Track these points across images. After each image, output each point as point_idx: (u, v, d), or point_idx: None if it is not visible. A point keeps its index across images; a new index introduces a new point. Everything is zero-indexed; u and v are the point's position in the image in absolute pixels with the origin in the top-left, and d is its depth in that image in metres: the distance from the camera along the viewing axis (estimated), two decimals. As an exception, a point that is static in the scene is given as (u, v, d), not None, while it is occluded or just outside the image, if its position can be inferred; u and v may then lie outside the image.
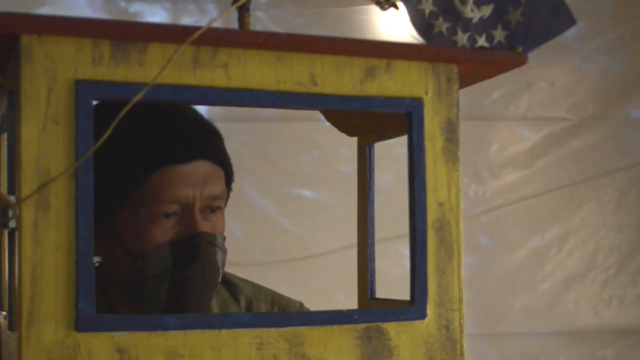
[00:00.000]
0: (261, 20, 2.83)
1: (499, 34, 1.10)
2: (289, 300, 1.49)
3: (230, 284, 1.47)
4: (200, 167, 1.23)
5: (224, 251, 1.27)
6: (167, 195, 1.19)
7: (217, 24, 0.92)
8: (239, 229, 2.80)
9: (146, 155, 1.20)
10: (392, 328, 1.01)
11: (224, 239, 1.27)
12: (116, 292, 1.32)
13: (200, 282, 1.22)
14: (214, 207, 1.26)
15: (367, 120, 1.24)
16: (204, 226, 1.22)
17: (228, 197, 1.34)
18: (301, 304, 1.50)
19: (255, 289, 1.47)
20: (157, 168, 1.20)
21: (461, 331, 1.05)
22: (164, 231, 1.20)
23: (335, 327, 0.99)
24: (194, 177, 1.21)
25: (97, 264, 1.35)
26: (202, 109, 1.52)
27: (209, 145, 1.27)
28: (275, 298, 1.47)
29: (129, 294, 1.26)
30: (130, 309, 1.30)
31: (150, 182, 1.20)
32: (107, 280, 1.32)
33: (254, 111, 2.87)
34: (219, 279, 1.26)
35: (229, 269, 1.48)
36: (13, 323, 0.96)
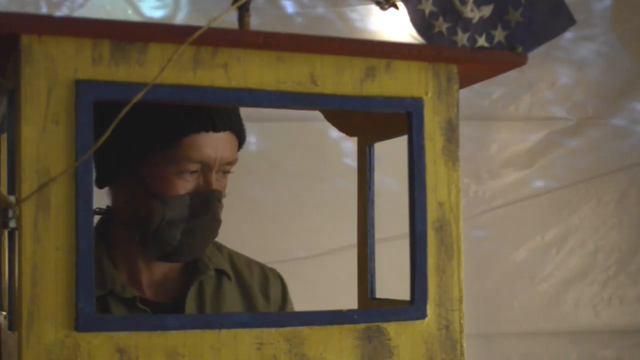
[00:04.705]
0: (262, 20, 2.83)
1: (499, 34, 1.10)
2: (262, 264, 1.64)
3: None
4: (226, 137, 1.40)
5: (222, 206, 1.45)
6: (196, 156, 1.37)
7: (217, 24, 0.92)
8: (240, 228, 2.80)
9: (187, 119, 1.36)
10: (392, 328, 1.01)
11: (224, 196, 1.45)
12: (120, 238, 1.46)
13: (207, 231, 1.42)
14: (226, 170, 1.44)
15: (367, 120, 1.24)
16: (216, 185, 1.41)
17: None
18: (276, 273, 1.63)
19: (231, 249, 1.62)
20: (195, 132, 1.37)
21: (461, 331, 1.05)
22: (185, 184, 1.38)
23: (335, 327, 0.99)
24: (219, 144, 1.39)
25: (97, 210, 1.48)
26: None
27: (235, 118, 1.43)
28: (248, 259, 1.62)
29: (141, 237, 1.41)
30: (130, 257, 1.46)
31: (185, 143, 1.37)
32: (111, 227, 1.48)
33: (254, 111, 2.87)
34: (219, 228, 1.45)
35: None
36: (13, 323, 0.97)
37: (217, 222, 1.42)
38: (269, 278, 1.58)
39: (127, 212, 1.44)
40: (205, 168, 1.39)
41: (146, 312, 1.40)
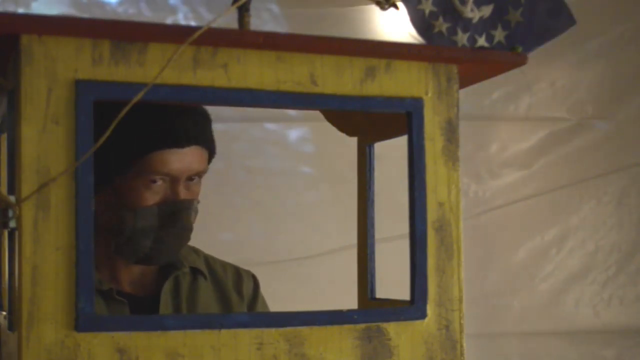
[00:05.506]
0: (264, 20, 2.83)
1: (499, 34, 1.10)
2: (237, 266, 1.71)
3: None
4: (192, 151, 1.47)
5: (196, 212, 1.53)
6: (162, 169, 1.45)
7: (217, 24, 0.92)
8: (240, 228, 2.80)
9: (152, 137, 1.43)
10: (392, 328, 1.02)
11: (198, 202, 1.53)
12: (100, 240, 1.47)
13: (177, 238, 1.50)
14: (193, 177, 1.50)
15: (367, 120, 1.24)
16: (185, 194, 1.49)
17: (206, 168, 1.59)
18: (250, 273, 1.70)
19: (207, 254, 1.70)
20: (159, 149, 1.44)
21: (461, 331, 1.05)
22: (154, 195, 1.46)
23: (335, 327, 0.99)
24: (186, 158, 1.46)
25: None
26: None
27: (202, 133, 1.50)
28: (223, 262, 1.69)
29: (116, 245, 1.49)
30: (110, 257, 1.52)
31: (151, 158, 1.44)
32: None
33: (255, 111, 2.87)
34: (190, 235, 1.53)
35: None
36: (13, 323, 0.97)
37: (187, 230, 1.51)
38: (243, 277, 1.66)
39: (103, 220, 1.50)
40: (172, 179, 1.47)
41: (122, 303, 1.48)
